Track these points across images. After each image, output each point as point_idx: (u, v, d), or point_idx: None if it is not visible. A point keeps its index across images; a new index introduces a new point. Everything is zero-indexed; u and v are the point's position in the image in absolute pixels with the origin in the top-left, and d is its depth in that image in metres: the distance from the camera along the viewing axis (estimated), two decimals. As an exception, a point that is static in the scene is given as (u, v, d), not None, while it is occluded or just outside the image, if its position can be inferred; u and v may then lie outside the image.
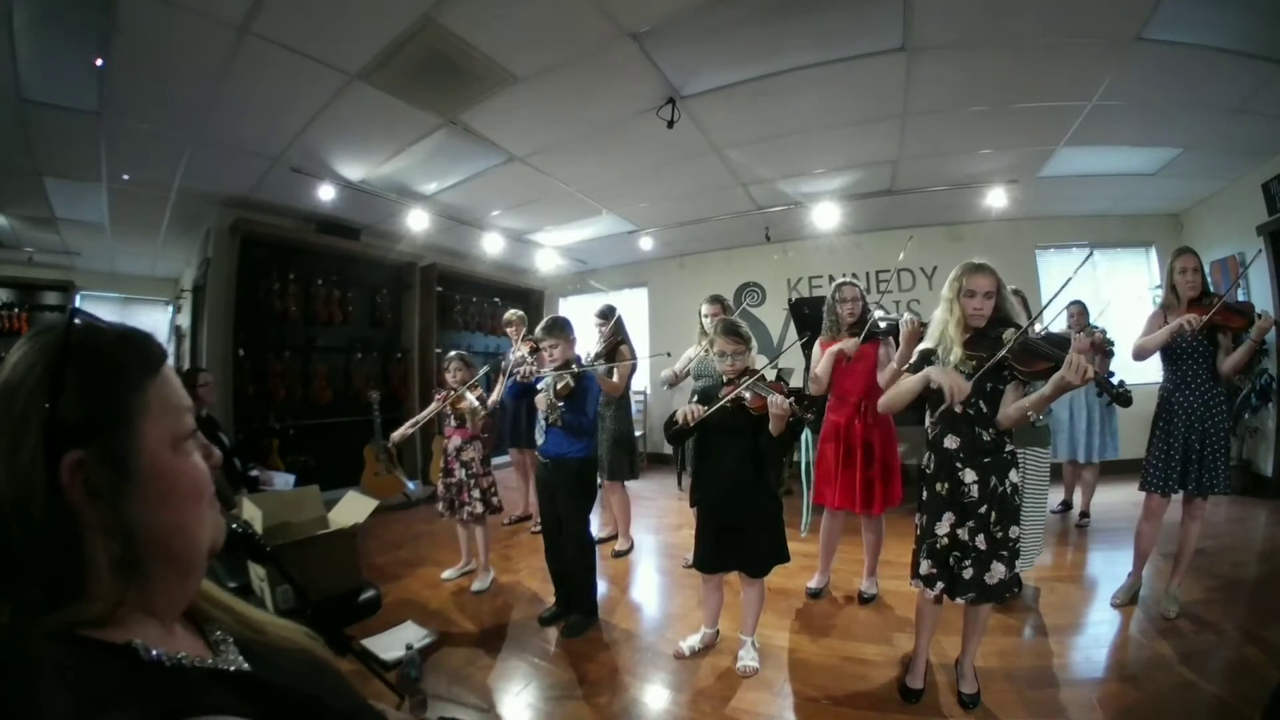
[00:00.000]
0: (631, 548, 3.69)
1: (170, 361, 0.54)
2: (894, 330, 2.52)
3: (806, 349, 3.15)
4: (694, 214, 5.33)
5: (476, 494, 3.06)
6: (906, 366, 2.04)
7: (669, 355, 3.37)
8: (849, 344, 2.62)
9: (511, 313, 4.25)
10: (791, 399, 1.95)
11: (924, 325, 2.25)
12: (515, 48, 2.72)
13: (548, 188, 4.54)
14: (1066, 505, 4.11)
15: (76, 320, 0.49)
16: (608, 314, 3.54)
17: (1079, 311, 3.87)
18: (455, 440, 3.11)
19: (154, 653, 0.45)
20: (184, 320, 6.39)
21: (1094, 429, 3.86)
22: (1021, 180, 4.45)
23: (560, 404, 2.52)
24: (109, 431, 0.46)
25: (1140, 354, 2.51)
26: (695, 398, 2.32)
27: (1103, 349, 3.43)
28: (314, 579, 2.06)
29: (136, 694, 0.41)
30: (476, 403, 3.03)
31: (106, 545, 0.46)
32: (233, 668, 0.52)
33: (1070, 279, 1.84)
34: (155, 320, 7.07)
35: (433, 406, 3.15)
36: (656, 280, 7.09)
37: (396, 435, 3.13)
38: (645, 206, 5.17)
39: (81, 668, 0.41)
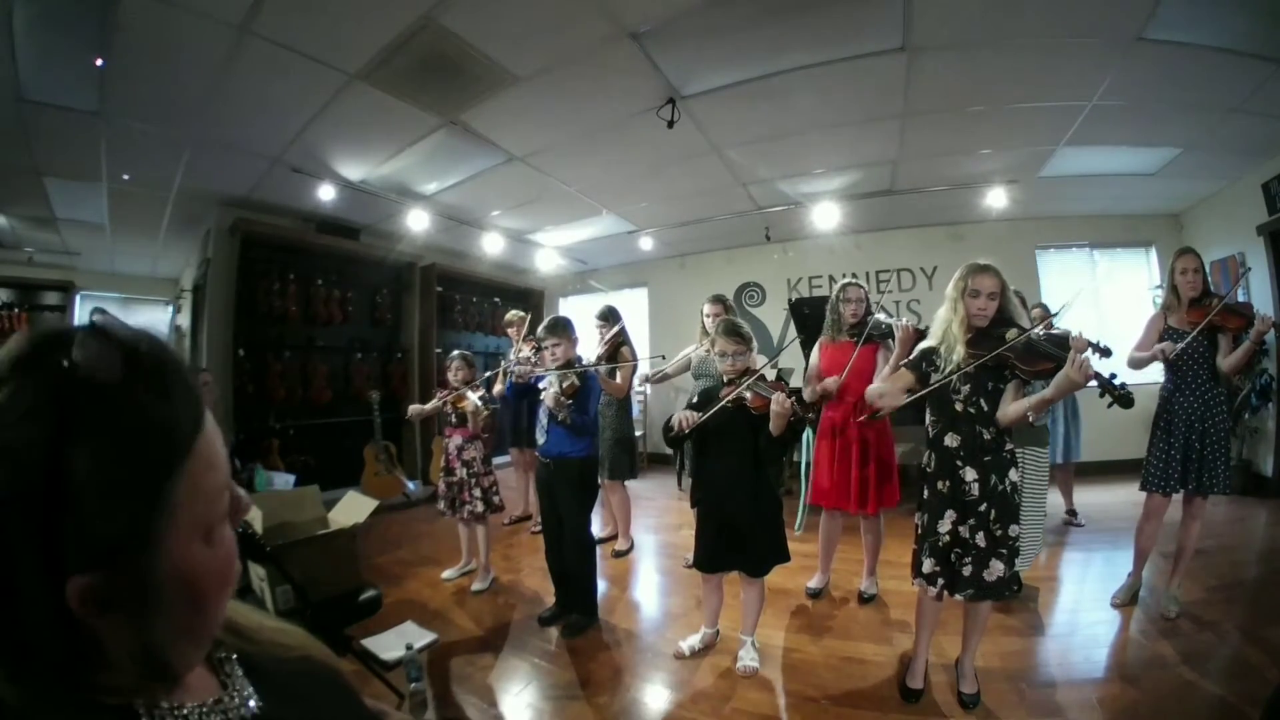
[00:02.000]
0: (631, 548, 3.70)
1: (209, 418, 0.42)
2: (894, 334, 2.53)
3: (806, 347, 3.15)
4: (694, 214, 5.33)
5: (478, 493, 3.06)
6: (905, 362, 2.05)
7: (664, 358, 3.38)
8: (831, 383, 2.70)
9: (513, 313, 4.25)
10: (793, 398, 1.96)
11: (919, 330, 2.27)
12: (515, 48, 2.72)
13: (548, 188, 4.53)
14: None
15: (73, 359, 0.34)
16: (608, 315, 3.54)
17: (1041, 314, 3.84)
18: (456, 439, 3.11)
19: (155, 714, 0.40)
20: (184, 320, 6.38)
21: (1057, 431, 3.79)
22: (1021, 180, 4.45)
23: (569, 402, 2.53)
24: (130, 553, 0.35)
25: (1133, 366, 2.54)
26: (695, 398, 2.32)
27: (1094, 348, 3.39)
28: (314, 579, 2.06)
29: None
30: (479, 402, 3.03)
31: (124, 646, 0.38)
32: (243, 712, 0.47)
33: (1072, 298, 1.90)
34: (155, 320, 7.07)
35: (435, 402, 3.17)
36: (656, 280, 7.09)
37: (413, 410, 3.20)
38: (645, 206, 5.17)
39: None
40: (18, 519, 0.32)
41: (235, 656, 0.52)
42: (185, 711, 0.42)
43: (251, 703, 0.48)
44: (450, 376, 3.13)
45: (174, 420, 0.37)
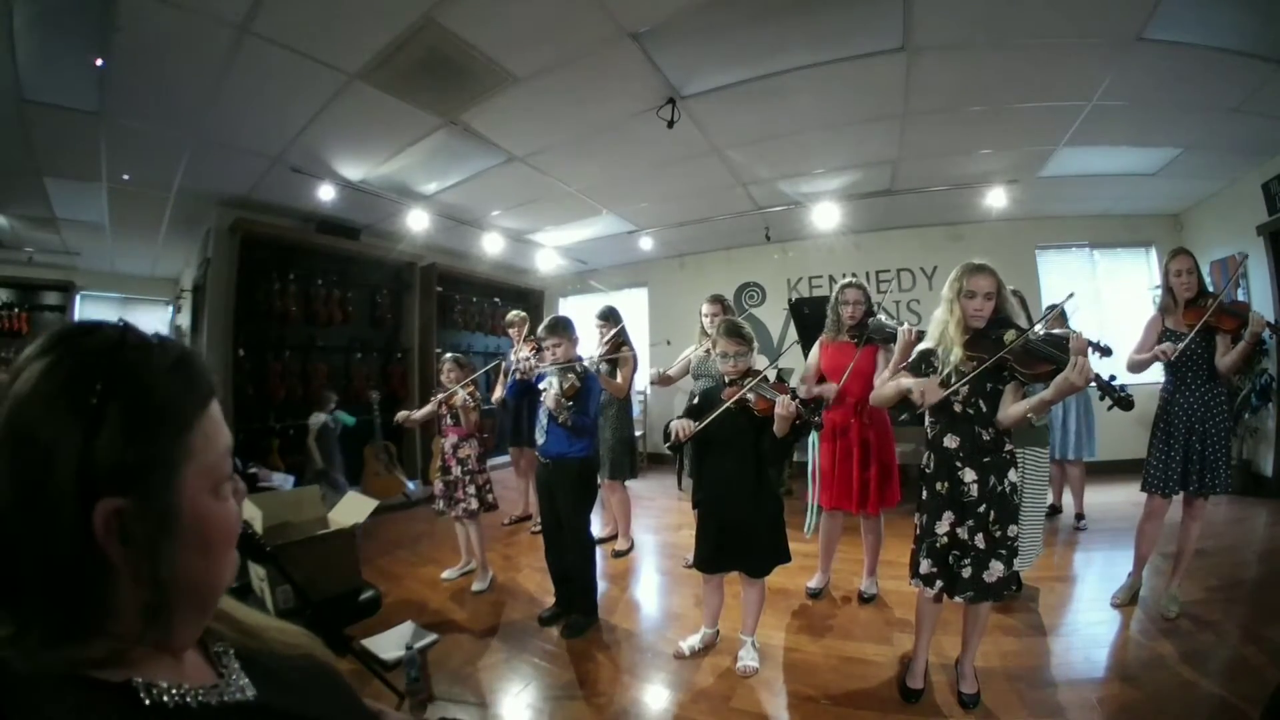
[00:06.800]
0: (631, 548, 3.69)
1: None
2: (894, 338, 2.53)
3: (805, 348, 3.15)
4: (694, 214, 5.33)
5: (471, 490, 3.07)
6: (905, 364, 2.05)
7: (669, 344, 3.35)
8: (828, 389, 2.72)
9: (514, 314, 4.25)
10: (797, 401, 1.95)
11: (919, 335, 2.27)
12: (515, 48, 2.72)
13: (548, 188, 4.53)
14: (1055, 509, 3.93)
15: (128, 338, 0.44)
16: (609, 315, 3.54)
17: (1056, 316, 3.81)
18: (452, 438, 3.12)
19: (154, 692, 0.42)
20: (184, 320, 6.38)
21: (1068, 427, 3.75)
22: (1021, 180, 4.45)
23: (570, 404, 2.53)
24: (153, 480, 0.42)
25: (1133, 369, 2.53)
26: (695, 399, 2.32)
27: (1094, 348, 3.37)
28: (314, 579, 2.06)
29: None
30: (467, 396, 3.05)
31: (135, 592, 0.42)
32: (239, 696, 0.49)
33: (1066, 299, 1.92)
34: (155, 320, 7.07)
35: (429, 407, 3.18)
36: (656, 280, 7.09)
37: (400, 416, 3.22)
38: (645, 206, 5.17)
39: (79, 713, 0.38)
40: (61, 443, 0.39)
41: (233, 651, 0.53)
42: (182, 690, 0.44)
43: (249, 692, 0.50)
44: (443, 378, 3.16)
45: (180, 397, 0.45)
